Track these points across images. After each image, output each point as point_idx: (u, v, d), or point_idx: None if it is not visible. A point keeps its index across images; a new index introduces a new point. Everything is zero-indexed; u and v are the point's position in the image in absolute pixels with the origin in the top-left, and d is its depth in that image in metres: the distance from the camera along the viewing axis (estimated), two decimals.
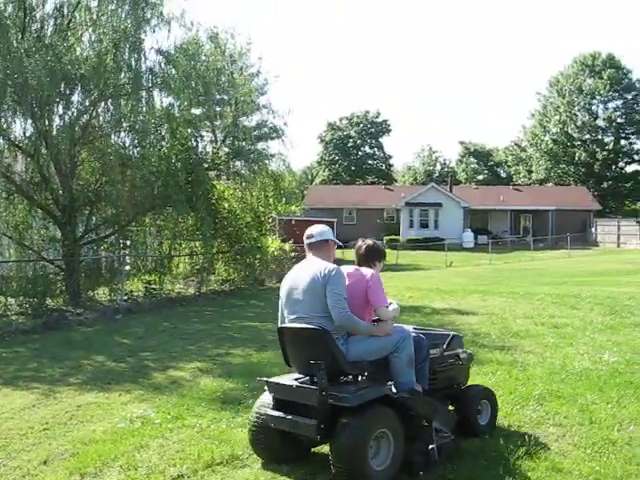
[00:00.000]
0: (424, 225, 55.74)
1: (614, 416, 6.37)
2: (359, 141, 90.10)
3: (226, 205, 22.08)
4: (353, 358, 5.22)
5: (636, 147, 76.01)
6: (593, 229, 57.91)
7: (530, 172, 79.51)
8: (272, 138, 24.70)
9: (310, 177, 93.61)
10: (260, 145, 23.38)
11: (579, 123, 75.79)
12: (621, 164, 77.00)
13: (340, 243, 6.04)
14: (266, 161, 21.39)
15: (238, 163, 20.76)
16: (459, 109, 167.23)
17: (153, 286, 19.61)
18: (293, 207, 23.23)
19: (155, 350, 11.09)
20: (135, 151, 18.91)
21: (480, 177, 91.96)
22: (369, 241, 6.11)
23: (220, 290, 22.24)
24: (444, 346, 6.01)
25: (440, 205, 55.44)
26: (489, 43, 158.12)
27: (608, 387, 7.50)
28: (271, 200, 21.57)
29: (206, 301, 19.43)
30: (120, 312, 16.16)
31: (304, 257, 5.68)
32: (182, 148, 19.75)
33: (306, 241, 5.62)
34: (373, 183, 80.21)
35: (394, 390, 5.30)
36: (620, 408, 6.62)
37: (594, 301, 15.33)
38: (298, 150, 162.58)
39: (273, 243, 25.45)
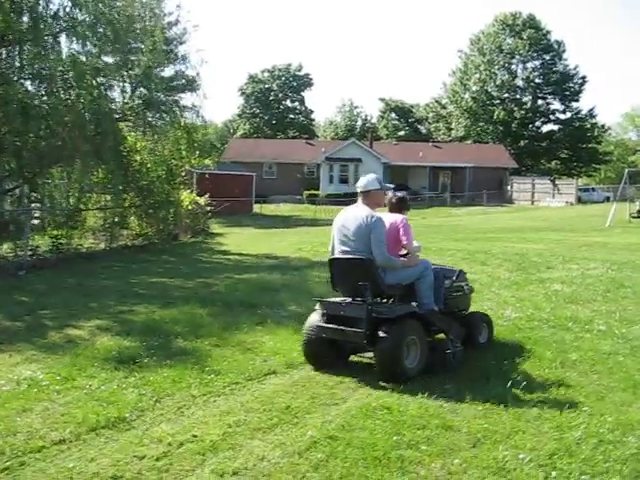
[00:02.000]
0: (344, 180, 55.70)
1: (508, 373, 6.42)
2: (281, 94, 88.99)
3: (138, 158, 21.41)
4: (390, 282, 6.66)
5: (552, 107, 77.55)
6: (509, 187, 59.14)
7: (450, 129, 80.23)
8: (186, 90, 24.08)
9: (232, 130, 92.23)
10: (174, 97, 22.78)
11: (498, 82, 76.71)
12: (537, 123, 78.42)
13: (389, 188, 7.34)
14: (179, 113, 20.81)
15: (150, 114, 20.06)
16: (381, 64, 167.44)
17: (61, 241, 18.93)
18: (207, 160, 22.71)
19: (56, 308, 10.59)
20: (40, 100, 18.03)
21: (401, 133, 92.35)
22: (399, 194, 7.57)
23: (132, 245, 21.74)
24: (454, 278, 7.49)
25: (360, 160, 55.47)
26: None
27: (506, 344, 7.58)
28: (184, 153, 21.01)
29: (116, 256, 18.93)
30: (24, 268, 15.48)
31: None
32: (91, 98, 18.94)
33: (358, 189, 6.85)
34: (294, 137, 79.63)
35: (418, 308, 6.73)
36: (515, 365, 6.67)
37: (503, 257, 15.59)
38: (219, 102, 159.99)
39: (187, 197, 24.97)
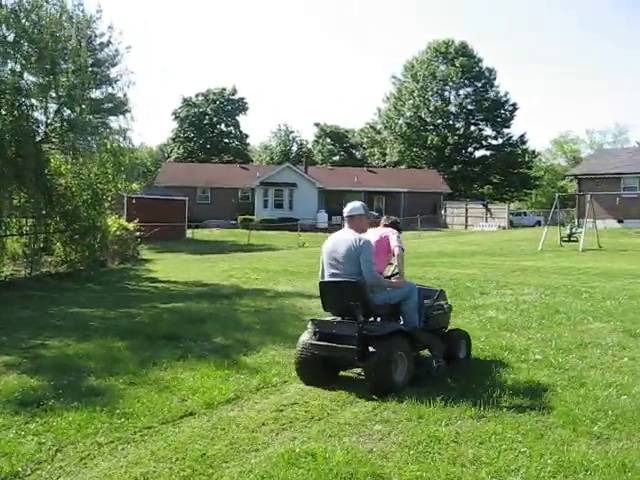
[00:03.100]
0: (279, 205, 55.27)
1: (443, 410, 6.02)
2: (215, 118, 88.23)
3: (63, 181, 20.58)
4: (378, 302, 7.09)
5: (484, 133, 79.08)
6: (443, 211, 59.69)
7: (384, 154, 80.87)
8: (116, 112, 23.33)
9: (166, 154, 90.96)
10: (101, 119, 22.03)
11: (432, 108, 77.90)
12: (470, 149, 79.84)
13: (375, 215, 8.03)
14: (105, 135, 20.08)
15: (74, 136, 19.24)
16: (316, 89, 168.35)
17: None
18: (134, 185, 21.95)
19: None
20: None
21: (336, 158, 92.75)
22: (393, 218, 8.46)
23: (56, 272, 20.80)
24: (435, 297, 7.90)
25: (295, 185, 55.18)
26: (345, 24, 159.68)
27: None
28: (111, 177, 20.24)
29: (38, 284, 17.99)
30: None
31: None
32: (12, 118, 18.11)
33: (344, 214, 7.41)
34: (229, 162, 78.91)
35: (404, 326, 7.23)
36: (449, 402, 6.28)
37: (437, 283, 15.31)
38: (154, 126, 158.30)
39: (114, 222, 24.14)
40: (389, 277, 7.75)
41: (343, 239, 7.13)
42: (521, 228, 51.41)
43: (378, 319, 7.28)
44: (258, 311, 12.25)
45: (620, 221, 41.81)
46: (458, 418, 5.82)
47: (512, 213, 60.14)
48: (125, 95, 21.06)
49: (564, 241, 31.31)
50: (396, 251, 7.64)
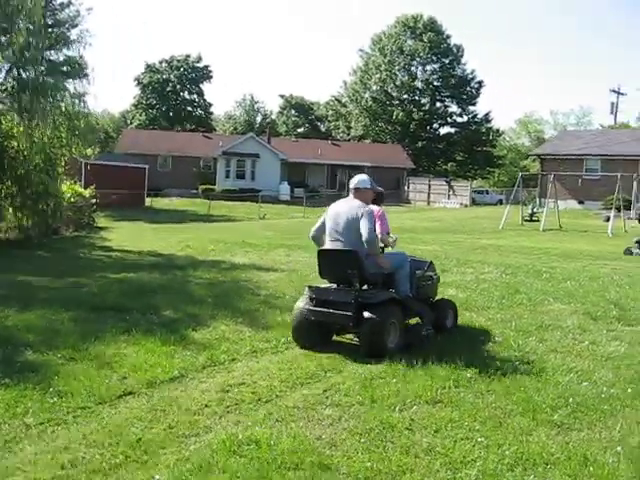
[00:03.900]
0: (241, 176, 54.55)
1: (398, 393, 5.72)
2: (179, 86, 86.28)
3: (14, 144, 19.84)
4: (372, 271, 7.31)
5: (450, 110, 78.83)
6: (406, 187, 59.53)
7: (349, 128, 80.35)
8: (71, 75, 22.55)
9: (129, 121, 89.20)
10: (57, 81, 21.22)
11: (398, 83, 77.39)
12: (435, 125, 79.71)
13: (380, 190, 8.34)
14: (59, 98, 19.33)
15: (25, 97, 18.49)
16: (283, 60, 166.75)
17: None
18: (89, 150, 21.23)
19: None
20: None
21: (300, 130, 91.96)
22: (378, 189, 8.28)
23: (6, 239, 20.13)
24: (425, 268, 8.25)
25: (258, 156, 54.48)
26: None
27: (399, 360, 6.89)
28: (65, 141, 19.53)
29: None
30: None
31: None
32: None
33: (350, 186, 7.71)
34: (192, 130, 77.69)
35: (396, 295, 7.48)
36: (405, 383, 5.98)
37: None
38: (117, 92, 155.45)
39: (69, 188, 23.43)
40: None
41: (348, 205, 7.44)
42: (483, 206, 51.52)
43: (372, 287, 7.55)
44: (212, 284, 11.84)
45: (581, 202, 42.07)
46: (413, 403, 5.52)
47: (475, 191, 60.22)
48: (82, 57, 20.30)
49: (525, 220, 31.35)
50: (388, 242, 7.87)
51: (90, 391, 5.70)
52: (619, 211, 28.91)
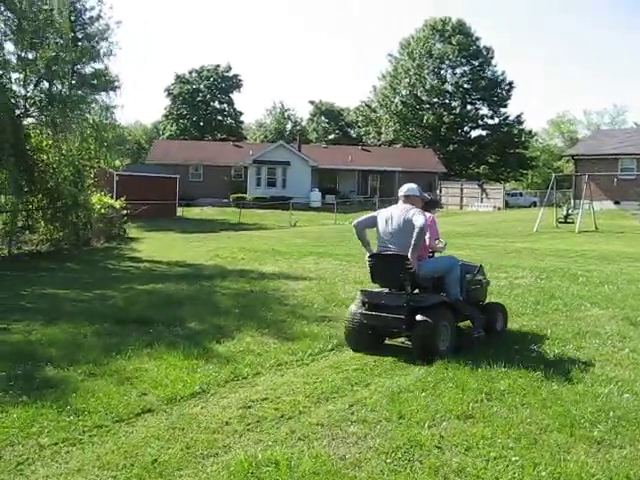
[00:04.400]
0: (272, 184, 54.50)
1: (427, 407, 5.45)
2: (209, 96, 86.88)
3: (44, 157, 19.95)
4: (423, 275, 7.47)
5: (481, 112, 78.13)
6: (438, 191, 58.96)
7: (380, 133, 80.00)
8: (99, 87, 22.61)
9: (160, 132, 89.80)
10: (86, 94, 21.28)
11: (428, 86, 76.95)
12: (466, 128, 79.01)
13: (427, 197, 8.48)
14: (87, 110, 19.36)
15: (54, 110, 18.53)
16: (313, 67, 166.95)
17: None
18: (117, 162, 21.25)
19: None
20: None
21: (331, 137, 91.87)
22: (430, 196, 8.89)
23: (38, 251, 20.21)
24: (475, 272, 8.38)
25: (288, 163, 54.39)
26: (341, 2, 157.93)
27: (427, 371, 6.61)
28: (93, 153, 19.57)
29: (17, 263, 17.48)
30: None
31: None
32: None
33: (400, 194, 7.88)
34: (223, 140, 77.97)
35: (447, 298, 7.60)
36: (435, 397, 5.71)
37: None
38: (148, 103, 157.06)
39: (99, 200, 23.49)
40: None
41: (400, 208, 7.64)
42: (517, 209, 50.84)
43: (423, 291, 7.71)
44: (239, 294, 11.65)
45: (617, 202, 41.19)
46: (443, 418, 5.25)
47: (508, 193, 59.44)
48: (107, 69, 20.32)
49: (560, 222, 30.74)
50: (437, 248, 8.12)
51: (108, 409, 5.52)
52: None
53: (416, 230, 7.15)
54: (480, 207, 52.73)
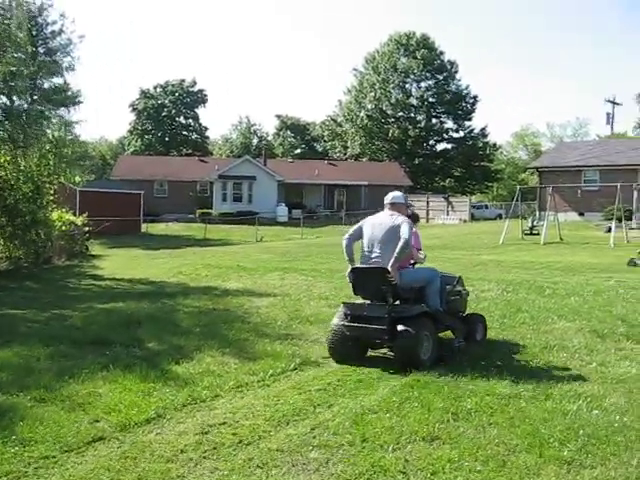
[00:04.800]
0: (238, 199, 54.13)
1: (392, 429, 5.24)
2: (174, 111, 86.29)
3: (2, 173, 19.45)
4: (404, 286, 7.55)
5: (446, 126, 78.64)
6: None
7: (346, 147, 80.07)
8: (59, 103, 22.26)
9: (126, 147, 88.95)
10: (45, 109, 20.91)
11: (393, 100, 77.22)
12: (431, 142, 79.44)
13: (410, 213, 8.58)
14: (45, 125, 18.97)
15: (9, 126, 18.14)
16: (278, 81, 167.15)
17: None
18: (77, 178, 20.82)
19: None
20: None
21: (297, 151, 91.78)
22: (411, 211, 8.86)
23: None
24: (454, 283, 8.44)
25: (254, 178, 54.10)
26: (307, 15, 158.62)
27: (392, 390, 6.41)
28: (52, 169, 19.12)
29: None
30: None
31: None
32: None
33: (386, 202, 8.06)
34: (188, 155, 77.46)
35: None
36: (400, 417, 5.51)
37: None
38: (114, 119, 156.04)
39: (60, 216, 23.00)
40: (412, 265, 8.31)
41: (388, 215, 7.83)
42: (482, 221, 51.11)
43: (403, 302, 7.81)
44: (201, 312, 11.36)
45: (581, 214, 41.59)
46: (408, 440, 5.05)
47: (473, 206, 59.83)
48: (66, 83, 19.97)
49: (526, 234, 30.87)
50: (419, 257, 8.31)
51: (57, 437, 5.21)
52: (620, 221, 28.43)
53: (401, 242, 7.31)
54: (446, 220, 52.90)
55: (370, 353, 8.01)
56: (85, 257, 24.95)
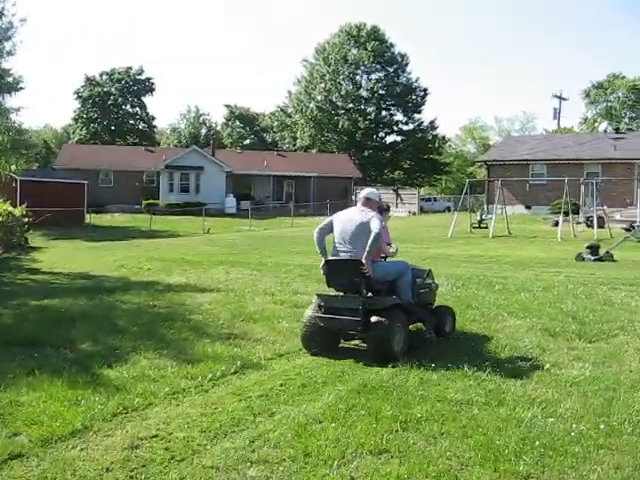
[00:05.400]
0: (185, 189, 53.19)
1: (337, 442, 4.88)
2: (120, 99, 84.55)
3: None
4: (377, 278, 7.70)
5: (396, 118, 78.69)
6: (353, 196, 58.85)
7: (295, 138, 79.59)
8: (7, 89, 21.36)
9: (70, 136, 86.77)
10: None
11: (343, 92, 76.94)
12: (381, 134, 79.44)
13: (384, 205, 8.96)
14: None
15: None
16: (227, 71, 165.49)
17: None
18: (13, 166, 20.00)
19: None
20: None
21: (247, 142, 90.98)
22: (384, 205, 8.95)
23: None
24: (424, 277, 8.60)
25: (202, 169, 53.24)
26: (255, 2, 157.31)
27: (337, 396, 6.05)
28: None
29: None
30: None
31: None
32: None
33: (360, 196, 8.27)
34: (135, 144, 75.99)
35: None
36: (346, 428, 5.15)
37: None
38: (57, 106, 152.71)
39: None
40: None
41: (359, 210, 7.95)
42: (431, 214, 51.25)
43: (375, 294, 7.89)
44: (140, 309, 10.83)
45: (528, 207, 41.91)
46: (354, 454, 4.69)
47: (422, 199, 60.02)
48: (2, 69, 19.06)
49: (474, 227, 30.94)
50: (389, 251, 8.42)
51: None
52: (567, 215, 28.63)
53: (372, 235, 7.41)
54: (395, 212, 52.87)
55: (342, 344, 8.09)
56: (24, 249, 24.14)
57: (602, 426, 5.16)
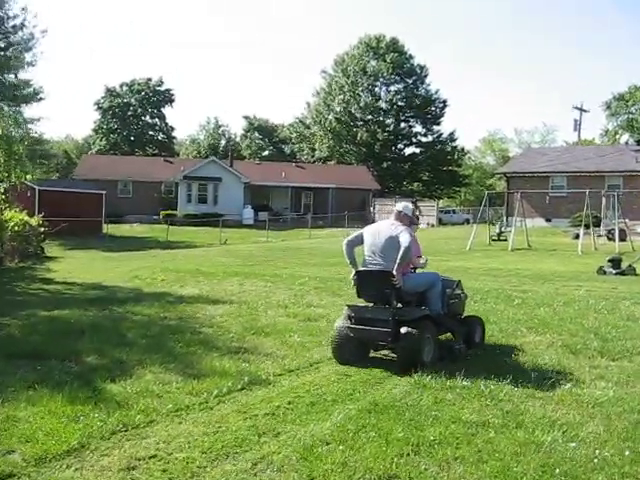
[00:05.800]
0: (203, 200, 53.20)
1: (344, 466, 4.61)
2: (140, 110, 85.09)
3: None
4: (407, 290, 7.75)
5: (414, 130, 78.57)
6: (372, 208, 58.65)
7: (313, 150, 79.59)
8: (19, 98, 21.36)
9: (91, 146, 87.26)
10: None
11: (362, 103, 76.89)
12: (400, 146, 79.25)
13: (415, 221, 8.87)
14: None
15: None
16: (247, 82, 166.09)
17: None
18: (28, 176, 19.96)
19: None
20: None
21: (265, 153, 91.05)
22: (415, 220, 8.86)
23: None
24: (454, 287, 8.54)
25: (220, 180, 53.24)
26: (274, 15, 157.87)
27: (347, 416, 5.78)
28: (2, 167, 18.25)
29: None
30: None
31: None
32: None
33: (395, 209, 8.35)
34: (154, 155, 76.26)
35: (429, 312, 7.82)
36: (354, 451, 4.87)
37: None
38: (78, 117, 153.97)
39: (14, 217, 22.09)
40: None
41: (389, 223, 8.08)
42: (450, 226, 50.85)
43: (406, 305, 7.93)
44: (150, 321, 10.63)
45: (548, 220, 41.46)
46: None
47: (441, 211, 59.66)
48: (16, 76, 19.05)
49: (493, 240, 30.57)
50: (419, 262, 8.39)
51: None
52: (588, 228, 28.18)
53: (402, 249, 7.47)
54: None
55: (372, 354, 8.16)
56: (40, 259, 24.07)
57: (627, 452, 4.84)
